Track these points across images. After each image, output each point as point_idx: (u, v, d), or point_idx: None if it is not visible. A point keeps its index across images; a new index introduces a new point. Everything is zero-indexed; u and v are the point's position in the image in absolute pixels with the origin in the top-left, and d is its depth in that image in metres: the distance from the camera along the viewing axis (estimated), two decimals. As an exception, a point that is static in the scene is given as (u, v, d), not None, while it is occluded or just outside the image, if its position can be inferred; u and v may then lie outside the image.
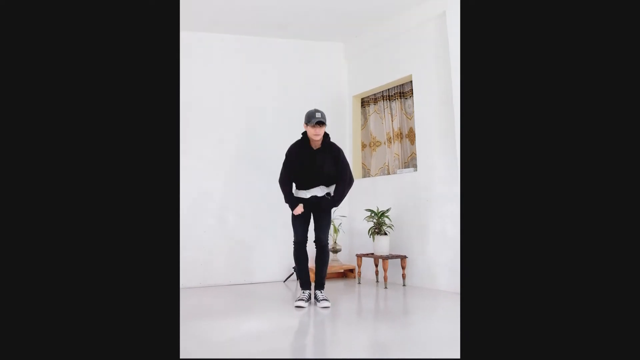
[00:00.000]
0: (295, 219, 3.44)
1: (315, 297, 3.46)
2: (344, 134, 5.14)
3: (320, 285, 3.48)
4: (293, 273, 4.62)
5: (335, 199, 3.37)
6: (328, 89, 5.15)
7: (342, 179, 3.37)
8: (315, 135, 3.27)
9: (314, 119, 3.24)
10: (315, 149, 3.36)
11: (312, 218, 3.50)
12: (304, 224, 3.45)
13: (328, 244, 3.45)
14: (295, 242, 3.46)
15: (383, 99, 4.94)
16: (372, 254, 4.33)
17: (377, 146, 5.04)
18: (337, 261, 4.72)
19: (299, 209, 3.37)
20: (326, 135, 3.41)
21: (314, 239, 3.47)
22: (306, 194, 3.44)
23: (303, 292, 3.46)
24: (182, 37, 4.51)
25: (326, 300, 3.37)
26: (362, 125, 5.26)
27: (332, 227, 4.68)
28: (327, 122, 3.64)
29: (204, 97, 4.58)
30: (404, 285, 4.20)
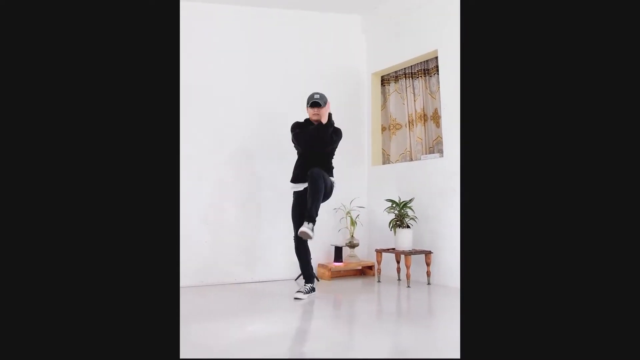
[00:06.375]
0: (293, 212, 3.81)
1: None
2: (361, 115, 5.07)
3: (308, 218, 3.48)
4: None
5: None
6: (344, 66, 5.07)
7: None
8: (314, 114, 3.73)
9: (311, 100, 3.72)
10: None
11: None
12: (300, 217, 3.67)
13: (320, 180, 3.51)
14: (295, 237, 3.77)
15: (405, 77, 4.87)
16: (394, 249, 4.32)
17: (398, 129, 4.95)
18: (355, 257, 4.65)
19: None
20: (329, 116, 3.76)
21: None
22: (300, 187, 3.80)
23: (304, 285, 3.80)
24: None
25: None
26: (381, 105, 5.17)
27: (349, 219, 4.63)
28: (328, 102, 3.78)
29: (202, 78, 4.48)
30: (428, 283, 4.19)
